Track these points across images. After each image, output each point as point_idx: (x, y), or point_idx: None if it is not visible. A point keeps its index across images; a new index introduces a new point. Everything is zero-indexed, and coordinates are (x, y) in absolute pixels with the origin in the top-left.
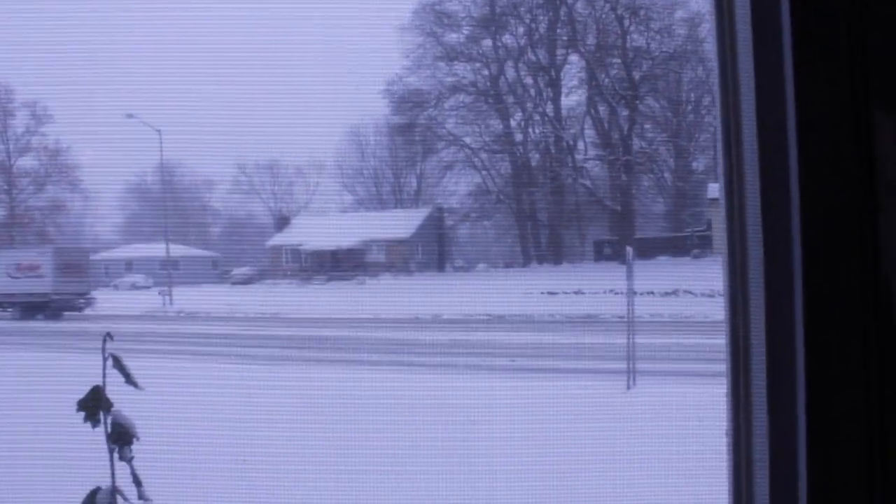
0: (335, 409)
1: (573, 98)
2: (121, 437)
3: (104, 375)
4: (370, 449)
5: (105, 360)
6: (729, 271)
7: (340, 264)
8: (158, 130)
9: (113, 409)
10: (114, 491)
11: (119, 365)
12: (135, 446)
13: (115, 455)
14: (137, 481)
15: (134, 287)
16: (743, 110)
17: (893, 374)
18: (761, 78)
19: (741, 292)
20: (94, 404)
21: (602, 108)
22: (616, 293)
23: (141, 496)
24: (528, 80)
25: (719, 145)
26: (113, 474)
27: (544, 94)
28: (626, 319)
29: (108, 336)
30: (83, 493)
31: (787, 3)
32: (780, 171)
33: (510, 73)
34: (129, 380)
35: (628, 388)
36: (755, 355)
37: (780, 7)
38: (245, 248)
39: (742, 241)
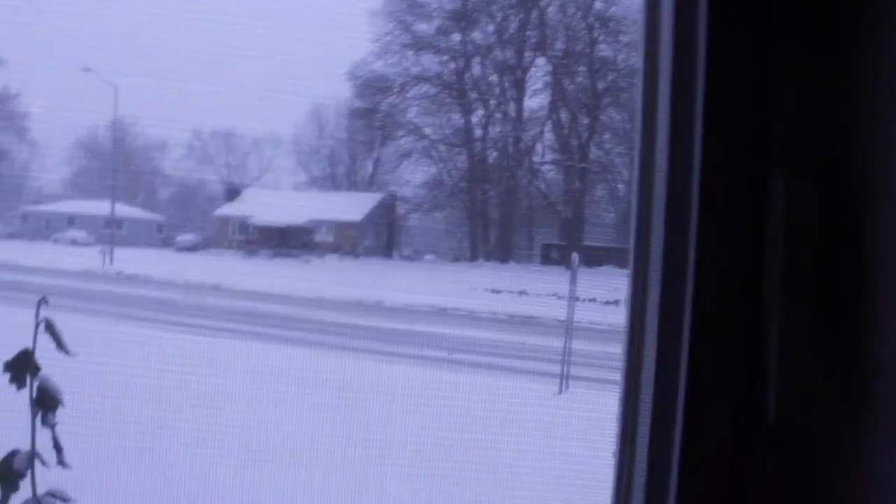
0: (264, 385)
1: (536, 101)
2: (46, 403)
3: (35, 339)
4: (290, 427)
5: (38, 324)
6: (631, 285)
7: (288, 241)
8: (115, 87)
9: (41, 373)
10: (32, 455)
11: (52, 331)
12: (59, 412)
13: (38, 420)
14: (58, 447)
15: (74, 243)
16: (657, 148)
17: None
18: (675, 121)
19: (641, 304)
20: (21, 367)
21: (563, 114)
22: (559, 297)
23: (60, 462)
24: (494, 78)
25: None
26: (33, 439)
27: (508, 93)
28: (565, 324)
29: (44, 300)
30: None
31: (702, 65)
32: (685, 211)
33: (476, 69)
34: (60, 346)
35: (560, 391)
36: (646, 365)
37: (697, 63)
38: (192, 215)
39: (644, 266)
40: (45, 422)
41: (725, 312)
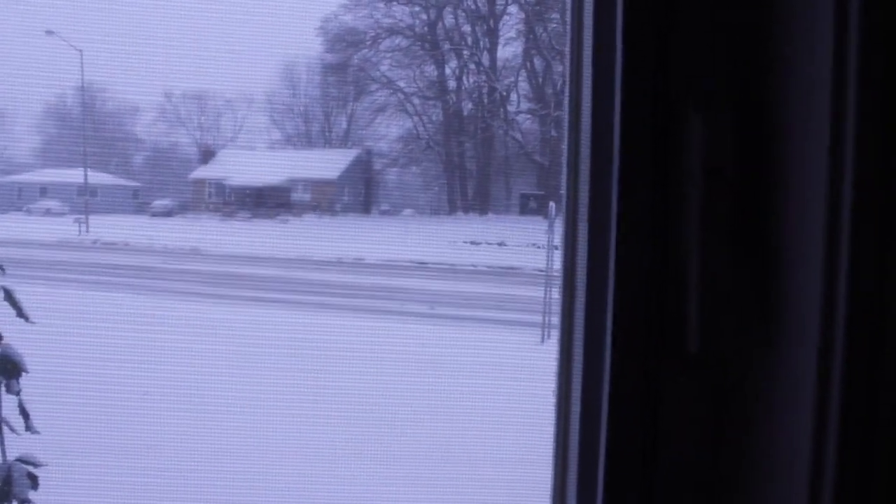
0: (249, 347)
1: (509, 49)
2: (9, 371)
3: None
4: (280, 390)
5: None
6: (564, 229)
7: (264, 201)
8: (80, 50)
9: (2, 342)
10: (0, 422)
11: (11, 299)
12: (24, 379)
13: (3, 387)
14: (25, 414)
15: (48, 213)
16: (583, 90)
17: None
18: (598, 61)
19: (572, 249)
20: None
21: (538, 62)
22: (538, 247)
23: (28, 428)
24: (466, 28)
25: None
26: (0, 406)
27: (481, 43)
28: (545, 273)
29: (0, 268)
30: None
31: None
32: (607, 152)
33: (448, 19)
34: (21, 313)
35: (542, 340)
36: (578, 305)
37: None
38: (167, 179)
39: (574, 210)
40: (8, 389)
41: (648, 250)
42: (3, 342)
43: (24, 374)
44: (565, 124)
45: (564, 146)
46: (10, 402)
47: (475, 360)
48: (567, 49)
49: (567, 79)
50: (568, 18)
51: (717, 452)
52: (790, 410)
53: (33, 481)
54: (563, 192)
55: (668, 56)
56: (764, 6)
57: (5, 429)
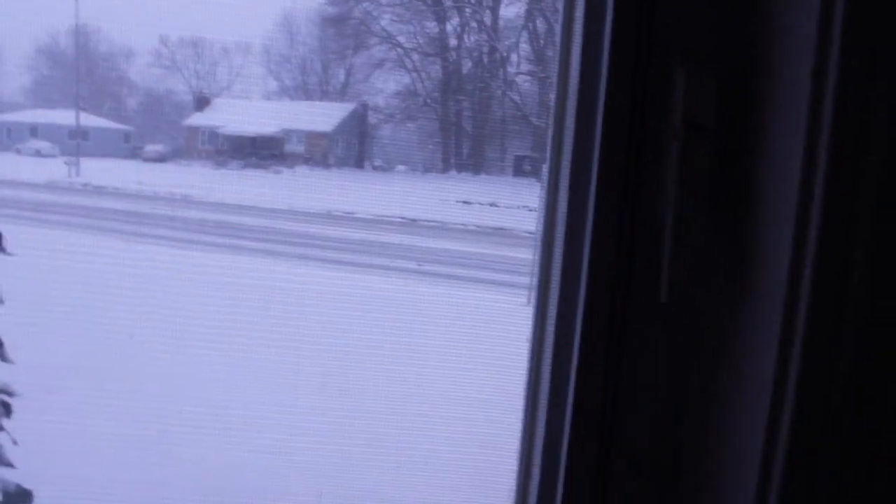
0: (233, 295)
1: (512, 10)
2: None
3: None
4: (261, 338)
5: None
6: (545, 191)
7: (258, 151)
8: None
9: None
10: None
11: None
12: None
13: None
14: None
15: (38, 154)
16: (572, 55)
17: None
18: (588, 27)
19: (552, 211)
20: None
21: (540, 24)
22: (530, 209)
23: (2, 357)
24: None
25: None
26: None
27: (484, 1)
28: (535, 235)
29: None
30: None
31: None
32: (593, 108)
33: None
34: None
35: (528, 302)
36: (555, 265)
37: None
38: (160, 125)
39: (556, 173)
40: None
41: (626, 202)
42: None
43: None
44: (554, 80)
45: (552, 101)
46: None
47: (459, 318)
48: (560, 5)
49: (558, 35)
50: None
51: (683, 399)
52: (753, 362)
53: (6, 409)
54: (548, 147)
55: (657, 12)
56: None
57: None
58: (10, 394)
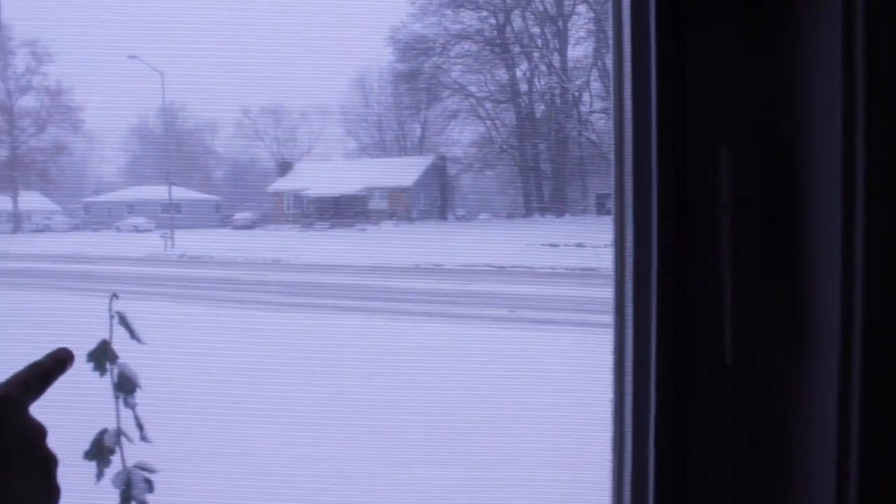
0: (335, 356)
1: (580, 49)
2: (125, 387)
3: (111, 330)
4: (369, 396)
5: (112, 317)
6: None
7: (342, 211)
8: (161, 72)
9: (119, 360)
10: (119, 433)
11: (124, 323)
12: (138, 393)
13: (121, 402)
14: (140, 425)
15: (136, 230)
16: (624, 109)
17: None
18: (637, 91)
19: (621, 250)
20: (101, 356)
21: (609, 60)
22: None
23: (143, 438)
24: (535, 30)
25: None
26: (118, 418)
27: (551, 44)
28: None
29: (115, 296)
30: (92, 434)
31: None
32: (647, 171)
33: (517, 22)
34: (133, 335)
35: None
36: (627, 310)
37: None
38: (247, 192)
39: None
40: (126, 403)
41: (684, 272)
42: (119, 361)
43: (138, 389)
44: (613, 140)
45: (611, 177)
46: (126, 414)
47: (554, 362)
48: (611, 99)
49: (613, 115)
50: (611, 71)
51: (756, 449)
52: (817, 414)
53: (149, 485)
54: (613, 204)
55: (693, 93)
56: (778, 49)
57: (123, 438)
58: (151, 471)
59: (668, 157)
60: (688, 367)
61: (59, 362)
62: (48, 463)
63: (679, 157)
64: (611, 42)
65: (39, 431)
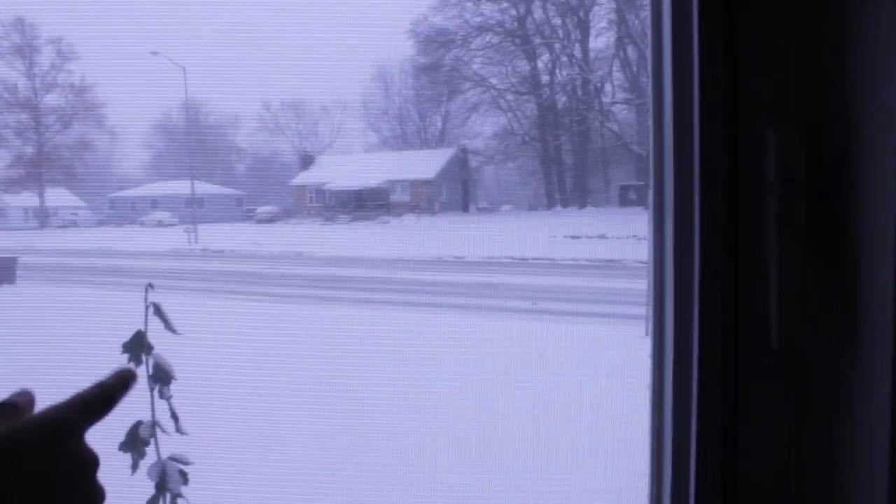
0: (358, 347)
1: (601, 40)
2: (160, 378)
3: (146, 321)
4: (389, 387)
5: (147, 307)
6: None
7: (364, 204)
8: (183, 68)
9: (154, 351)
10: (154, 424)
11: (159, 313)
12: (172, 385)
13: (156, 393)
14: (175, 416)
15: (160, 225)
16: (665, 103)
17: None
18: (677, 81)
19: (660, 244)
20: (137, 348)
21: (631, 51)
22: (639, 238)
23: (178, 430)
24: (556, 21)
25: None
26: (153, 410)
27: (572, 35)
28: (646, 264)
29: (150, 286)
30: (127, 426)
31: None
32: (689, 158)
33: (538, 13)
34: (168, 326)
35: (647, 333)
36: (667, 300)
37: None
38: (270, 186)
39: (660, 212)
40: (161, 395)
41: (731, 253)
42: (154, 352)
43: (173, 380)
44: (649, 134)
45: (650, 165)
46: (161, 406)
47: (579, 355)
48: (649, 65)
49: (650, 106)
50: (648, 50)
51: (801, 439)
52: (868, 404)
53: (184, 477)
54: (651, 194)
55: (742, 75)
56: (829, 22)
57: (157, 430)
58: (185, 462)
59: (713, 142)
60: (734, 352)
61: (122, 382)
62: (96, 499)
63: (730, 141)
64: (648, 30)
65: (92, 462)
